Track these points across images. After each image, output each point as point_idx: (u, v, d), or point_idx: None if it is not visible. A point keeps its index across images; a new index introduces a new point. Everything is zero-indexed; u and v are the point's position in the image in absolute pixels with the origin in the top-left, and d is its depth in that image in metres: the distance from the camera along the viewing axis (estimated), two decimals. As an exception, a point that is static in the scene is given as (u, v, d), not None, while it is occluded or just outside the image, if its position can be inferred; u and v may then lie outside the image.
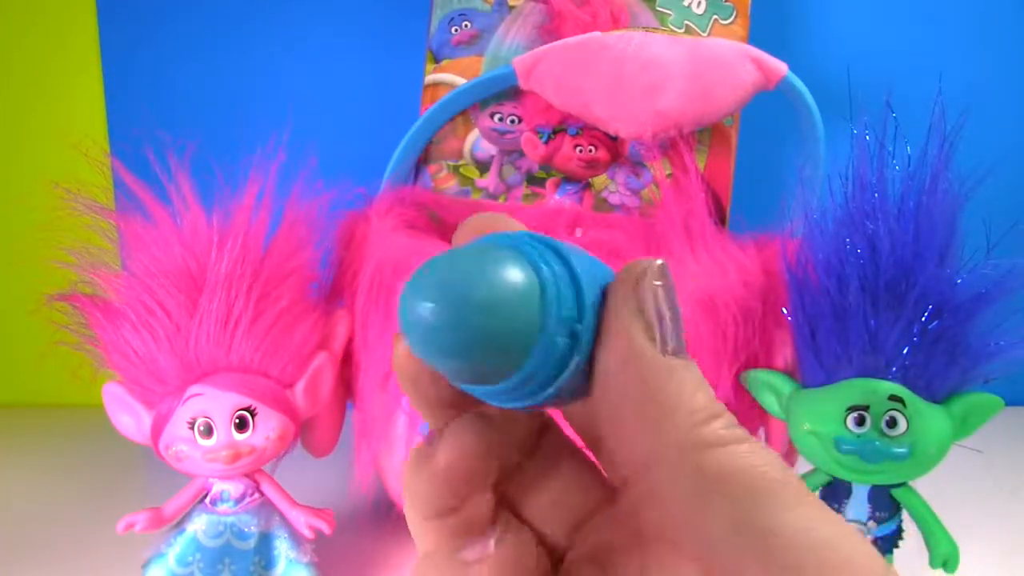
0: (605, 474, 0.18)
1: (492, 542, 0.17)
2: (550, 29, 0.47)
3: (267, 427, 0.38)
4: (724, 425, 0.15)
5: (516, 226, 0.17)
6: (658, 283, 0.15)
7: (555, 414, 0.18)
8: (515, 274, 0.14)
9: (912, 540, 0.39)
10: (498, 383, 0.15)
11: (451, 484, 0.16)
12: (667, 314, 0.15)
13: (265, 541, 0.40)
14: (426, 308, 0.14)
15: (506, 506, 0.18)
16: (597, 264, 0.16)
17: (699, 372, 0.15)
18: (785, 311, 0.39)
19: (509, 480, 0.18)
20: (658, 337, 0.15)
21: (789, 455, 0.42)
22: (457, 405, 0.17)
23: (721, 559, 0.14)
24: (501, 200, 0.48)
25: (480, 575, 0.17)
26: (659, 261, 0.15)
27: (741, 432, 0.15)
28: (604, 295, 0.15)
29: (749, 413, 0.42)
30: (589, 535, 0.18)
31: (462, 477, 0.16)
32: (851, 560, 0.13)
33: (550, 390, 0.15)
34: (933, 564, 0.38)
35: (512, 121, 0.48)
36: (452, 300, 0.14)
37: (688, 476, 0.14)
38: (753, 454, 0.14)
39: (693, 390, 0.15)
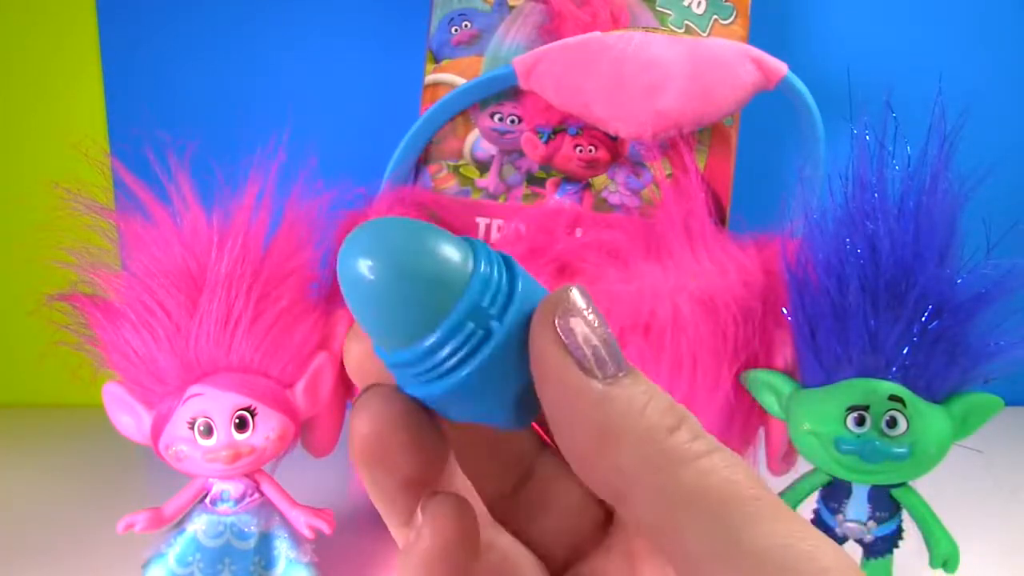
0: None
1: None
2: (550, 29, 0.47)
3: (267, 427, 0.38)
4: (688, 437, 0.14)
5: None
6: (575, 316, 0.14)
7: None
8: (452, 244, 0.15)
9: (912, 540, 0.39)
10: (412, 344, 0.15)
11: (432, 571, 0.15)
12: (593, 339, 0.14)
13: (265, 541, 0.40)
14: (359, 264, 0.14)
15: (507, 531, 0.18)
16: (540, 289, 0.16)
17: (646, 383, 0.15)
18: (785, 311, 0.39)
19: (505, 507, 0.18)
20: (591, 367, 0.14)
21: (789, 455, 0.42)
22: (419, 485, 0.16)
23: None
24: (501, 200, 0.48)
25: None
26: (572, 291, 0.15)
27: (707, 441, 0.14)
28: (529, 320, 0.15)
29: (749, 413, 0.42)
30: (588, 558, 0.18)
31: (443, 564, 0.15)
32: (828, 571, 0.13)
33: (463, 372, 0.15)
34: (933, 564, 0.38)
35: (512, 121, 0.48)
36: (389, 248, 0.14)
37: (661, 504, 0.14)
38: (725, 467, 0.14)
39: (641, 408, 0.14)
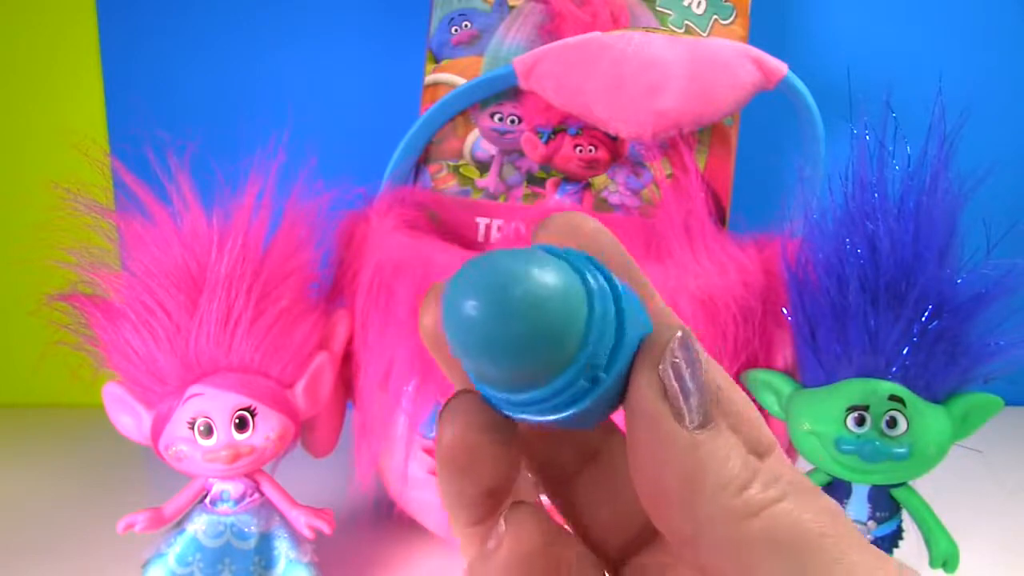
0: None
1: None
2: (550, 29, 0.47)
3: (267, 427, 0.38)
4: (761, 486, 0.14)
5: (599, 228, 0.16)
6: (678, 359, 0.15)
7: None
8: (561, 273, 0.14)
9: (912, 540, 0.39)
10: (536, 388, 0.14)
11: (450, 463, 0.16)
12: (690, 387, 0.15)
13: (265, 541, 0.40)
14: (470, 305, 0.13)
15: (566, 514, 0.18)
16: (643, 312, 0.16)
17: (728, 436, 0.15)
18: (785, 311, 0.39)
19: (568, 486, 0.18)
20: (684, 412, 0.15)
21: (789, 455, 0.42)
22: (499, 492, 0.16)
23: None
24: (501, 200, 0.48)
25: None
26: (679, 334, 0.15)
27: (779, 487, 0.15)
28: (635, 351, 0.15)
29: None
30: (644, 551, 0.18)
31: (457, 460, 0.16)
32: None
33: (564, 413, 0.15)
34: (933, 564, 0.38)
35: (512, 121, 0.48)
36: (498, 293, 0.13)
37: (731, 550, 0.14)
38: (795, 510, 0.14)
39: (722, 461, 0.14)
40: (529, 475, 0.18)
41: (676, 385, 0.15)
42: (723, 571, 0.15)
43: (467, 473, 0.15)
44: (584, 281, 0.14)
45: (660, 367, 0.15)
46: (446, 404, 0.16)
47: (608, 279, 0.15)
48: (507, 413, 0.15)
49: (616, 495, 0.18)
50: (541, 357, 0.14)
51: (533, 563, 0.15)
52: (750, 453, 0.15)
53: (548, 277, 0.14)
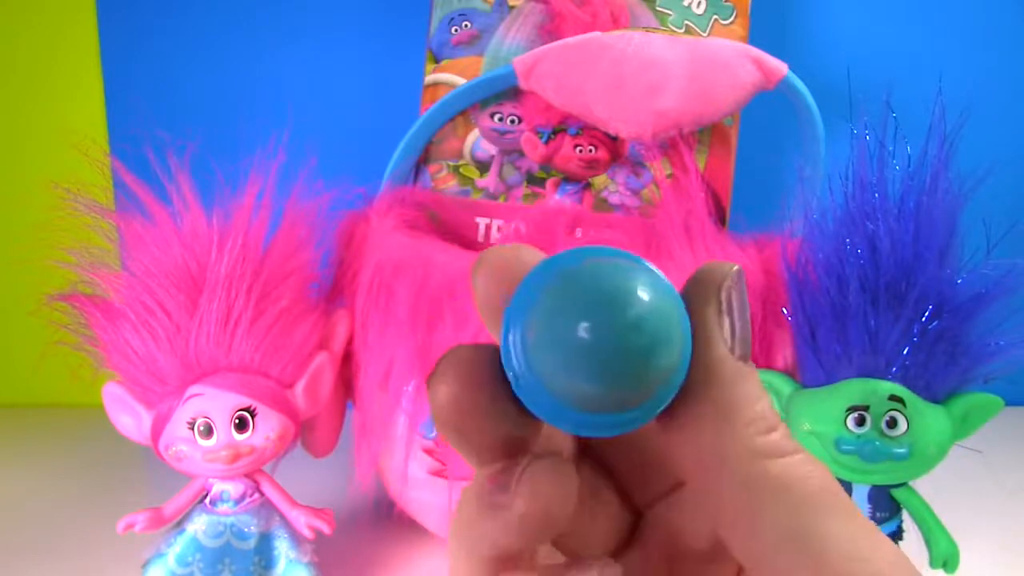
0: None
1: None
2: (550, 29, 0.47)
3: (267, 427, 0.38)
4: (782, 436, 0.15)
5: (539, 256, 0.16)
6: (736, 289, 0.15)
7: None
8: (661, 287, 0.13)
9: (912, 540, 0.39)
10: (632, 408, 0.14)
11: (525, 535, 0.15)
12: (739, 320, 0.15)
13: (265, 541, 0.40)
14: (582, 327, 0.13)
15: (590, 459, 0.18)
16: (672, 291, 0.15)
17: (760, 381, 0.16)
18: (785, 311, 0.39)
19: (594, 446, 0.18)
20: (732, 342, 0.15)
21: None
22: (507, 449, 0.15)
23: (773, 563, 0.15)
24: (501, 200, 0.48)
25: None
26: (736, 267, 0.15)
27: (795, 444, 0.15)
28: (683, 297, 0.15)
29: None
30: (664, 507, 0.18)
31: (538, 527, 0.15)
32: (895, 566, 0.14)
33: (633, 425, 0.14)
34: (933, 564, 0.38)
35: (512, 121, 0.48)
36: (608, 316, 0.13)
37: (747, 481, 0.15)
38: (807, 464, 0.15)
39: (756, 398, 0.15)
40: None
41: (729, 317, 0.15)
42: (734, 504, 0.15)
43: (481, 418, 0.15)
44: (668, 282, 0.14)
45: (722, 294, 0.15)
46: (439, 362, 0.15)
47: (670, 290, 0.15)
48: (568, 430, 0.14)
49: (643, 449, 0.18)
50: (658, 371, 0.13)
51: (547, 521, 0.15)
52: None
53: (652, 288, 0.13)
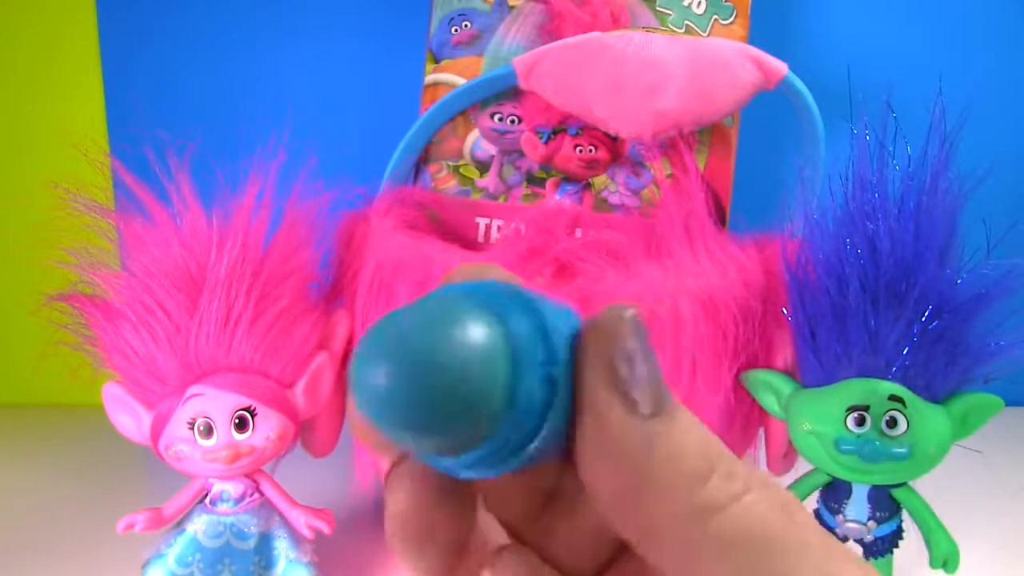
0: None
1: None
2: (550, 29, 0.47)
3: (267, 427, 0.38)
4: (719, 481, 0.13)
5: (502, 275, 0.15)
6: (631, 343, 0.13)
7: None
8: (478, 328, 0.12)
9: (912, 540, 0.39)
10: (468, 452, 0.13)
11: (405, 533, 0.15)
12: (643, 372, 0.13)
13: (265, 541, 0.40)
14: (380, 373, 0.12)
15: (531, 550, 0.17)
16: (566, 312, 0.14)
17: (687, 420, 0.14)
18: (785, 311, 0.39)
19: (531, 527, 0.17)
20: (638, 402, 0.13)
21: (789, 455, 0.42)
22: (459, 545, 0.15)
23: None
24: (501, 200, 0.48)
25: None
26: (629, 313, 0.14)
27: (739, 482, 0.14)
28: (573, 350, 0.14)
29: (749, 413, 0.42)
30: (613, 568, 0.17)
31: (411, 530, 0.15)
32: None
33: (527, 451, 0.13)
34: (933, 564, 0.38)
35: (512, 121, 0.48)
36: (410, 361, 0.12)
37: (688, 547, 0.13)
38: (754, 505, 0.13)
39: (679, 454, 0.13)
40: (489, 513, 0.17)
41: (628, 372, 0.13)
42: (680, 572, 0.14)
43: (424, 541, 0.14)
44: (506, 331, 0.13)
45: (609, 352, 0.13)
46: (389, 472, 0.14)
47: (528, 304, 0.13)
48: (452, 473, 0.14)
49: (580, 525, 0.17)
50: (458, 427, 0.12)
51: (415, 524, 0.14)
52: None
53: (460, 334, 0.12)
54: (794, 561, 0.13)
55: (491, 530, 0.17)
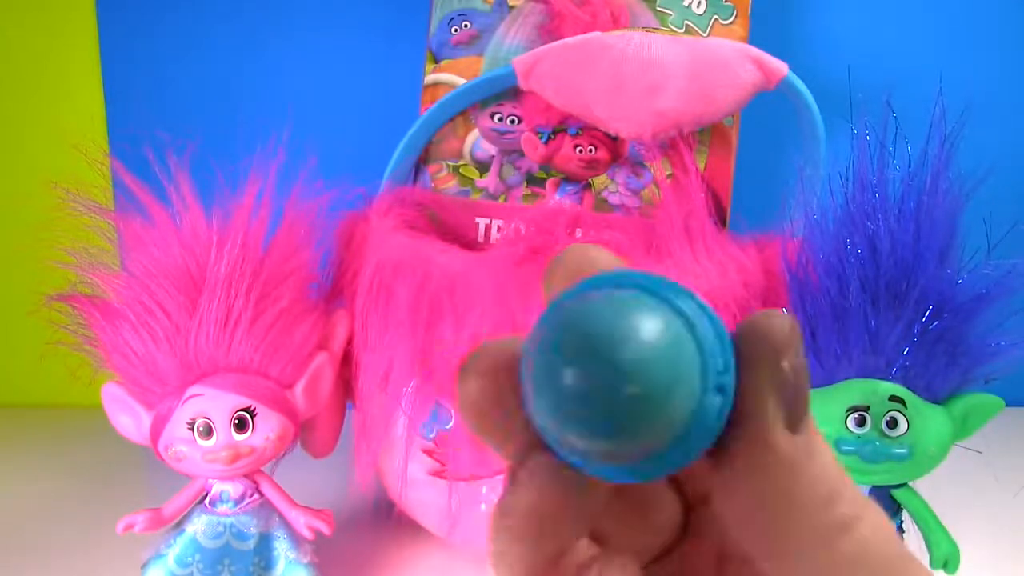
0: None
1: None
2: (550, 29, 0.47)
3: (267, 428, 0.38)
4: (848, 504, 0.14)
5: (613, 262, 0.15)
6: (799, 357, 0.13)
7: None
8: (678, 334, 0.12)
9: (912, 540, 0.39)
10: (643, 461, 0.12)
11: (535, 532, 0.14)
12: (799, 389, 0.13)
13: (264, 542, 0.40)
14: (579, 373, 0.11)
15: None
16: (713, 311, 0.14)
17: (819, 444, 0.14)
18: (785, 311, 0.39)
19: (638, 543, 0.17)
20: (791, 419, 0.13)
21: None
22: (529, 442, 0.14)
23: None
24: (501, 200, 0.48)
25: None
26: (791, 322, 0.13)
27: (860, 505, 0.14)
28: (737, 356, 0.13)
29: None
30: (666, 565, 0.17)
31: (543, 523, 0.14)
32: None
33: (685, 463, 0.13)
34: (933, 565, 0.38)
35: (512, 121, 0.48)
36: (614, 366, 0.11)
37: (819, 568, 0.14)
38: (875, 531, 0.14)
39: (818, 476, 0.14)
40: None
41: (794, 388, 0.13)
42: None
43: (546, 538, 0.14)
44: (692, 328, 0.12)
45: (782, 365, 0.13)
46: (516, 465, 0.14)
47: (703, 306, 0.13)
48: (593, 474, 0.13)
49: (646, 515, 0.17)
50: (658, 433, 0.12)
51: (552, 519, 0.14)
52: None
53: (663, 340, 0.12)
54: None
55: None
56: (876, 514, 0.14)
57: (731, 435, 0.13)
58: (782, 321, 0.13)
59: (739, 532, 0.14)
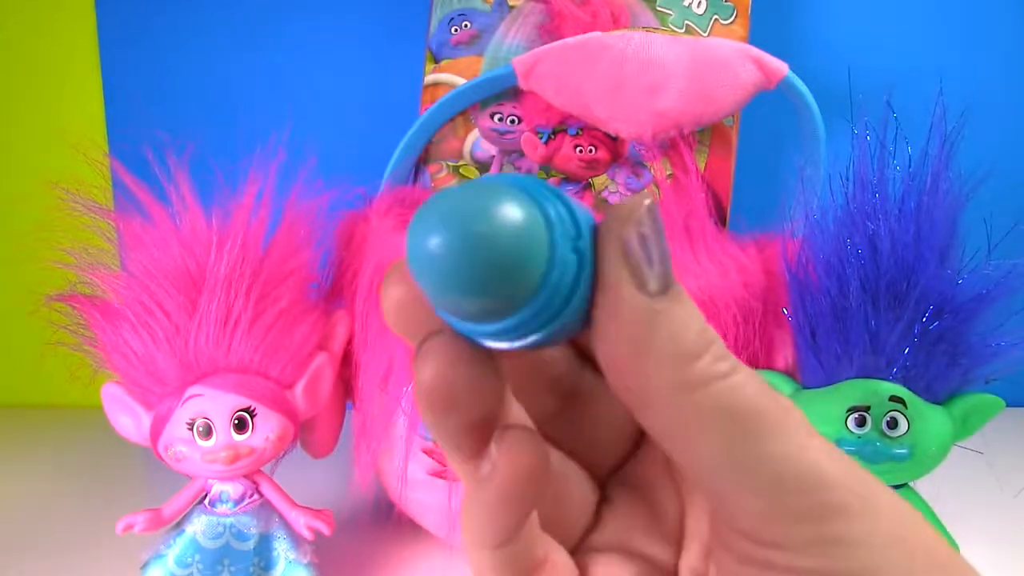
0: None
1: None
2: (550, 29, 0.47)
3: (266, 428, 0.38)
4: (711, 360, 0.15)
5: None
6: (644, 225, 0.15)
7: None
8: (519, 205, 0.14)
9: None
10: (508, 316, 0.14)
11: (512, 505, 0.16)
12: (654, 253, 0.15)
13: (264, 542, 0.40)
14: (435, 241, 0.13)
15: (550, 445, 0.18)
16: (586, 209, 0.16)
17: (687, 305, 0.15)
18: (785, 311, 0.39)
19: (550, 424, 0.18)
20: (645, 278, 0.15)
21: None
22: (486, 422, 0.16)
23: (720, 491, 0.15)
24: (501, 200, 0.48)
25: None
26: (647, 202, 0.15)
27: (728, 364, 0.15)
28: (593, 236, 0.15)
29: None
30: (628, 463, 0.19)
31: (521, 493, 0.15)
32: (836, 478, 0.15)
33: (555, 323, 0.15)
34: (934, 565, 0.38)
35: (512, 121, 0.48)
36: (461, 230, 0.13)
37: (677, 417, 0.15)
38: (741, 386, 0.15)
39: (677, 332, 0.15)
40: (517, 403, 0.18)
41: (640, 251, 0.14)
42: (669, 438, 0.15)
43: (451, 408, 0.15)
44: (543, 210, 0.14)
45: (624, 231, 0.14)
46: (420, 345, 0.15)
47: (557, 192, 0.15)
48: (482, 343, 0.15)
49: (598, 417, 0.19)
50: (507, 288, 0.14)
51: (529, 483, 0.15)
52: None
53: (508, 210, 0.14)
54: (774, 433, 0.15)
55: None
56: (752, 376, 0.15)
57: (596, 301, 0.15)
58: (636, 198, 0.15)
59: (613, 388, 0.16)
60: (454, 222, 0.14)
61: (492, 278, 0.14)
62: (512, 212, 0.14)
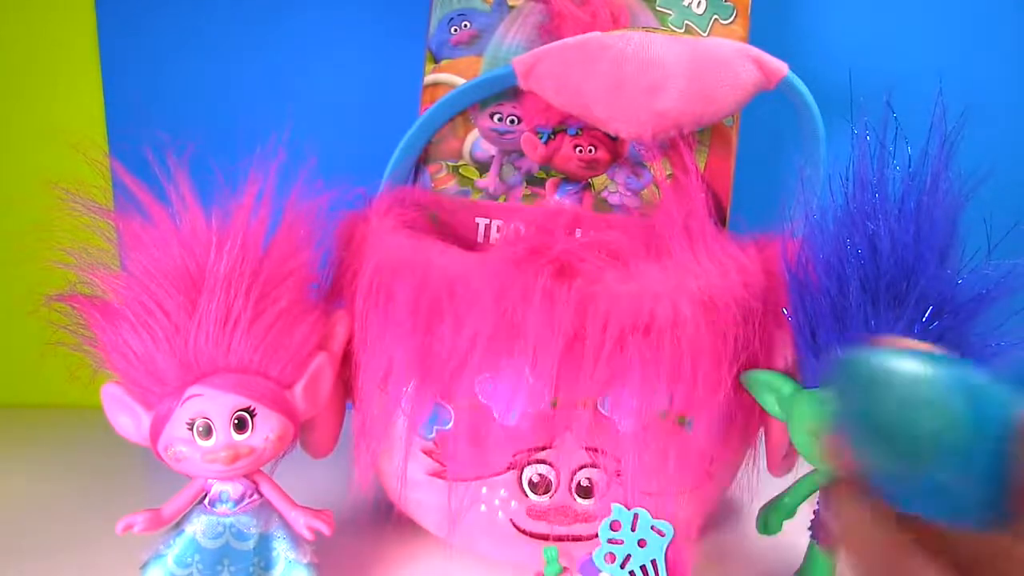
0: None
1: None
2: (550, 29, 0.47)
3: (266, 428, 0.38)
4: None
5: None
6: None
7: None
8: (986, 394, 0.16)
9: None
10: (926, 484, 0.16)
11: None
12: None
13: (264, 542, 0.40)
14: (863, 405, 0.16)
15: None
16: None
17: None
18: (785, 311, 0.39)
19: None
20: None
21: (789, 456, 0.42)
22: None
23: None
24: (501, 200, 0.48)
25: None
26: None
27: None
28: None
29: (749, 413, 0.42)
30: None
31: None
32: None
33: (967, 506, 0.16)
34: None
35: (512, 121, 0.48)
36: (876, 400, 0.16)
37: None
38: None
39: None
40: None
41: None
42: None
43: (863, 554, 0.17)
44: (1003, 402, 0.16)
45: None
46: (843, 488, 0.17)
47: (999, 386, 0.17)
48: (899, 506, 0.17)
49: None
50: (926, 449, 0.16)
51: None
52: None
53: (949, 392, 0.16)
54: None
55: None
56: None
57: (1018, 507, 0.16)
58: None
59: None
60: (916, 392, 0.16)
61: (931, 450, 0.16)
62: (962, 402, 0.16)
